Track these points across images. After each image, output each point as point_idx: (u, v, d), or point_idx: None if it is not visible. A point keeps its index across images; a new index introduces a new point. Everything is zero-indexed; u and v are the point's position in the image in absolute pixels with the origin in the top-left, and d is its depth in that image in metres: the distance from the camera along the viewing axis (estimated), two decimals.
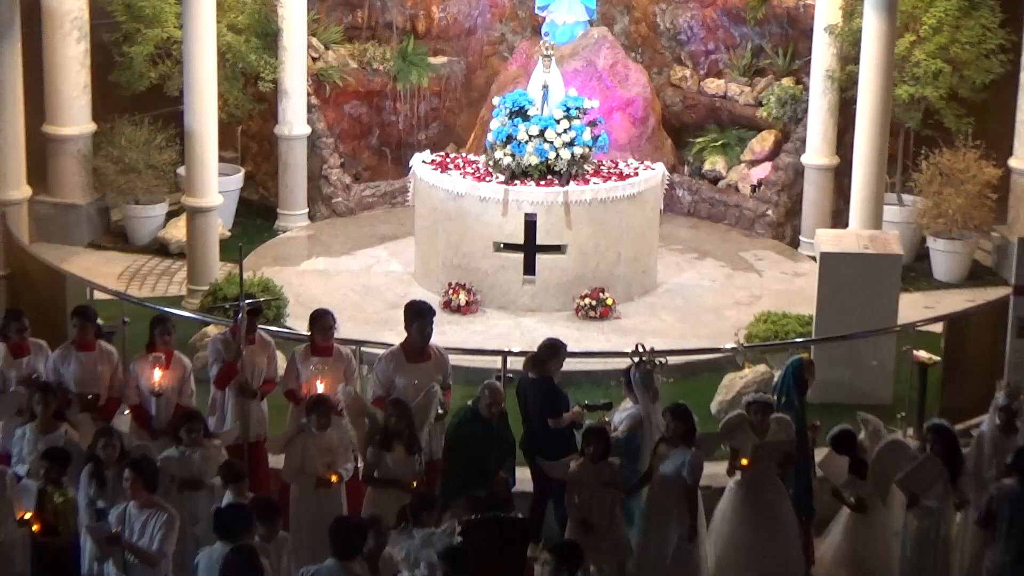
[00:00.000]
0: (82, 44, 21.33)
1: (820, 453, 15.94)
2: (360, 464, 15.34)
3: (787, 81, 22.28)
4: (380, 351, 16.50)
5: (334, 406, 15.33)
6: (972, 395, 17.70)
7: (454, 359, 16.44)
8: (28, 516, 13.68)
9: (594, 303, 19.62)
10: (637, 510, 15.45)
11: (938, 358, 18.04)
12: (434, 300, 18.13)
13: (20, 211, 20.08)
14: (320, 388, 15.67)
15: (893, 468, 15.30)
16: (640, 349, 15.80)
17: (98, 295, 18.77)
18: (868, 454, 15.58)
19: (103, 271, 20.54)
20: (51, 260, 19.84)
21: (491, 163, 20.40)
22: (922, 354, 17.67)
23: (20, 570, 13.99)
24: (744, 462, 15.19)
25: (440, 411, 15.68)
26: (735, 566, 15.64)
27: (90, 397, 15.77)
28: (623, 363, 15.88)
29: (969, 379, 18.12)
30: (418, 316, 16.11)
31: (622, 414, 15.72)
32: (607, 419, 15.73)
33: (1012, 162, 21.18)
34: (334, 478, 14.81)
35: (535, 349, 16.40)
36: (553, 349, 15.99)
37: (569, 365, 17.29)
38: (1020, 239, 18.59)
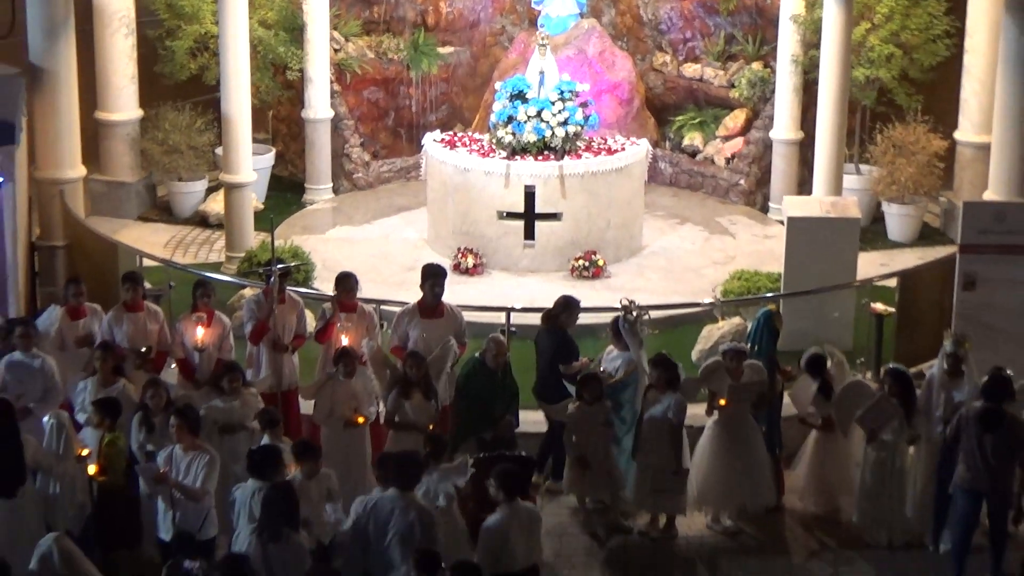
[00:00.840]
0: (129, 39, 21.30)
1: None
2: (382, 410, 15.39)
3: (756, 65, 22.25)
4: (398, 308, 16.53)
5: (358, 357, 15.37)
6: (923, 342, 17.70)
7: (464, 317, 16.42)
8: (85, 453, 13.83)
9: (587, 264, 19.65)
10: (628, 447, 15.48)
11: (892, 309, 18.07)
12: (445, 263, 18.04)
13: (76, 189, 20.05)
14: (345, 341, 15.69)
15: (854, 406, 15.35)
16: (627, 303, 15.86)
17: (146, 262, 18.87)
18: (834, 381, 15.67)
19: (150, 241, 20.55)
20: (104, 232, 19.89)
21: (494, 141, 20.44)
22: (878, 306, 17.74)
23: (81, 500, 14.03)
24: (722, 403, 15.24)
25: (449, 365, 15.70)
26: (715, 495, 15.72)
27: (143, 350, 15.80)
28: (613, 316, 15.92)
29: (920, 328, 18.11)
30: (430, 277, 16.18)
31: (615, 361, 15.71)
32: (602, 368, 15.73)
33: (957, 135, 21.19)
34: (360, 420, 14.90)
35: (539, 306, 16.55)
36: (566, 305, 16.15)
37: None
38: (965, 203, 18.62)
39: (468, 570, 11.69)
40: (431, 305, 16.13)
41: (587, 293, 18.65)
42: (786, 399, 16.09)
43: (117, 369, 14.80)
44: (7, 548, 12.90)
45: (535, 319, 17.15)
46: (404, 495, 12.18)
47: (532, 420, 15.79)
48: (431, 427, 14.75)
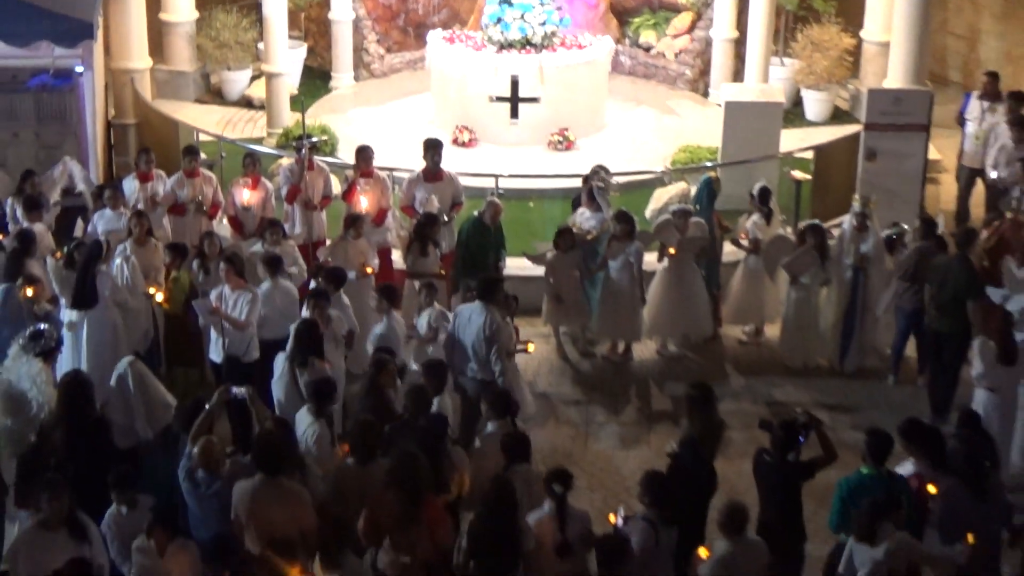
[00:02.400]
0: None
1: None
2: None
3: None
4: (406, 175, 16.49)
5: (367, 221, 15.43)
6: (833, 203, 17.69)
7: (461, 181, 16.43)
8: (153, 290, 14.10)
9: (561, 139, 19.52)
10: (596, 287, 15.53)
11: (809, 177, 18.10)
12: (446, 138, 18.01)
13: (144, 77, 19.86)
14: (365, 201, 15.74)
15: (779, 256, 15.41)
16: (598, 168, 15.88)
17: (202, 137, 18.77)
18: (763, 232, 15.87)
19: (205, 120, 20.31)
20: (167, 112, 19.71)
21: (486, 38, 20.26)
22: (797, 174, 17.74)
23: (146, 327, 14.25)
24: (671, 251, 15.24)
25: (445, 219, 15.66)
26: (663, 326, 15.89)
27: (199, 199, 16.03)
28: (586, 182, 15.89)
29: (831, 192, 18.14)
30: (430, 148, 16.25)
31: (590, 221, 15.69)
32: (576, 224, 15.70)
33: (863, 34, 20.92)
34: (368, 270, 14.84)
35: (522, 173, 16.60)
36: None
37: (545, 184, 17.86)
38: (869, 90, 18.66)
39: (436, 367, 12.24)
40: (432, 171, 16.15)
41: (561, 162, 18.75)
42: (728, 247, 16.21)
43: (149, 231, 14.80)
44: (95, 371, 12.81)
45: (518, 183, 17.33)
46: (486, 306, 13.00)
47: (513, 266, 15.76)
48: (442, 271, 15.05)
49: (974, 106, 18.40)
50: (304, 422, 11.51)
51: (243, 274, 13.63)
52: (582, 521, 10.42)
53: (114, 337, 13.69)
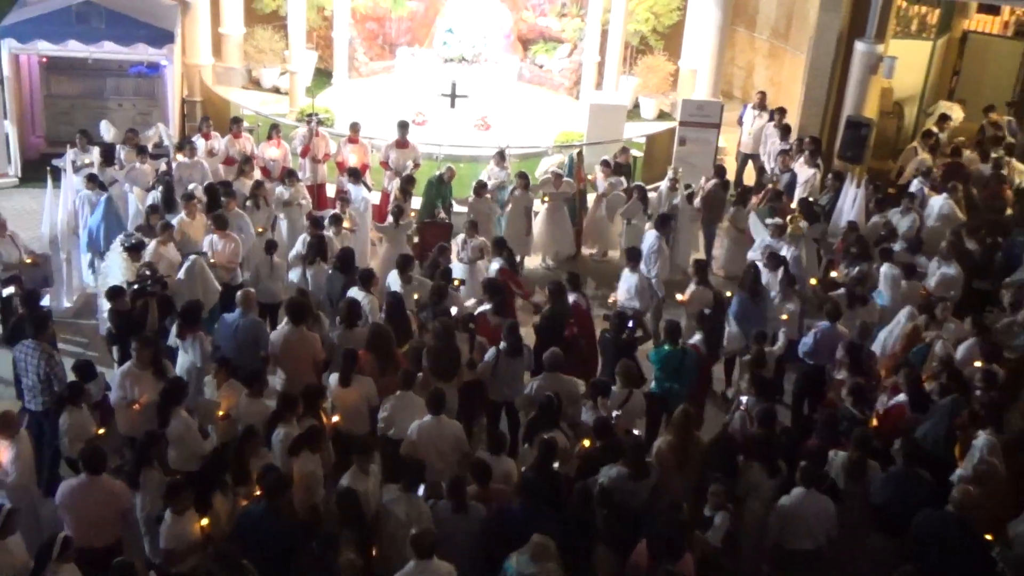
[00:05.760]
0: None
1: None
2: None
3: (577, 20, 21.41)
4: (383, 143, 16.24)
5: (361, 175, 15.12)
6: (656, 172, 17.89)
7: (419, 148, 16.13)
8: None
9: (482, 123, 18.91)
10: (503, 222, 15.41)
11: (641, 154, 18.07)
12: (408, 119, 17.30)
13: (207, 70, 19.43)
14: (353, 157, 15.57)
15: (617, 204, 15.44)
16: (505, 146, 15.81)
17: (244, 111, 18.31)
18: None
19: (247, 100, 19.42)
20: (221, 93, 19.29)
21: (436, 54, 20.17)
22: (632, 151, 17.52)
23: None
24: (546, 199, 15.27)
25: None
26: (543, 246, 15.99)
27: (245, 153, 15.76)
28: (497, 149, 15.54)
29: (656, 165, 18.29)
30: (400, 126, 16.09)
31: (501, 175, 15.62)
32: (490, 180, 15.45)
33: (680, 63, 20.62)
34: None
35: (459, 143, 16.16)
36: None
37: (471, 151, 17.39)
38: (683, 100, 18.62)
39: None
40: (401, 141, 15.91)
41: (484, 137, 18.37)
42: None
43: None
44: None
45: (454, 150, 17.20)
46: None
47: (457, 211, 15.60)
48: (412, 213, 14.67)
49: (749, 114, 18.59)
50: (359, 295, 11.37)
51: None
52: None
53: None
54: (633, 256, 12.74)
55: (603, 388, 9.92)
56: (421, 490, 8.46)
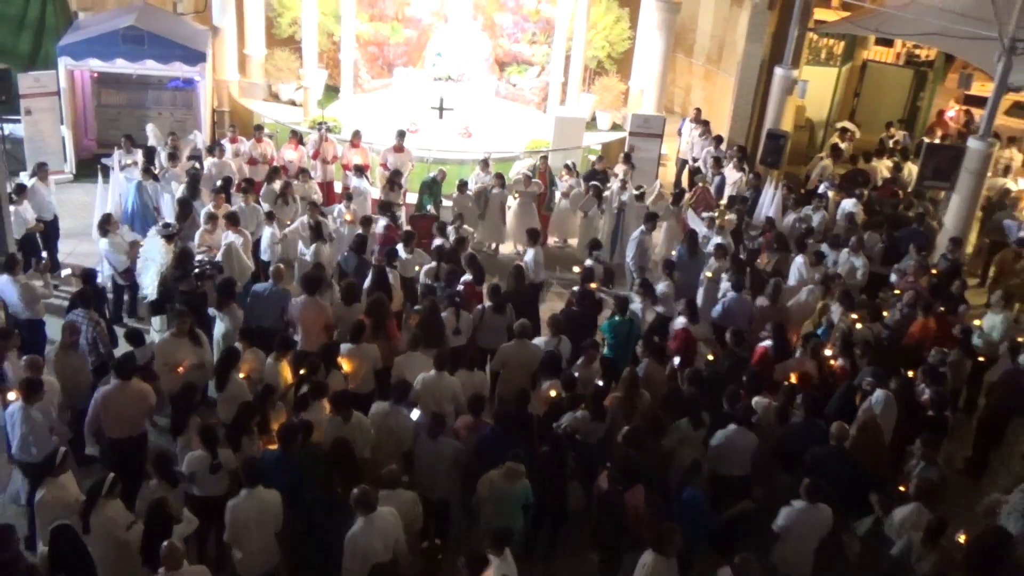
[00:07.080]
0: (259, 13, 19.85)
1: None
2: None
3: (546, 45, 21.38)
4: (382, 148, 16.15)
5: (364, 171, 15.04)
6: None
7: (413, 152, 16.00)
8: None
9: (465, 131, 18.82)
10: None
11: (601, 156, 17.87)
12: (404, 128, 17.33)
13: (234, 84, 19.25)
14: (357, 159, 15.42)
15: (577, 200, 15.47)
16: (487, 154, 15.78)
17: (266, 120, 18.18)
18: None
19: (268, 110, 19.29)
20: (246, 105, 19.02)
21: (427, 74, 19.85)
22: (593, 158, 17.50)
23: None
24: (516, 195, 15.34)
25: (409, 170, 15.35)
26: (514, 235, 15.72)
27: (265, 156, 15.69)
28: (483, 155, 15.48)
29: (611, 163, 18.04)
30: (398, 133, 15.92)
31: (484, 177, 15.54)
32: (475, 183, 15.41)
33: (631, 83, 20.69)
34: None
35: (448, 150, 16.13)
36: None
37: (456, 155, 16.97)
38: (632, 114, 18.47)
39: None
40: (398, 147, 15.83)
41: (467, 144, 18.31)
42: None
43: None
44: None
45: (442, 154, 16.95)
46: None
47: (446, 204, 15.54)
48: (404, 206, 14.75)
49: (687, 127, 18.73)
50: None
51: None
52: None
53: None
54: (667, 266, 12.32)
55: (556, 362, 9.98)
56: (415, 414, 8.69)
